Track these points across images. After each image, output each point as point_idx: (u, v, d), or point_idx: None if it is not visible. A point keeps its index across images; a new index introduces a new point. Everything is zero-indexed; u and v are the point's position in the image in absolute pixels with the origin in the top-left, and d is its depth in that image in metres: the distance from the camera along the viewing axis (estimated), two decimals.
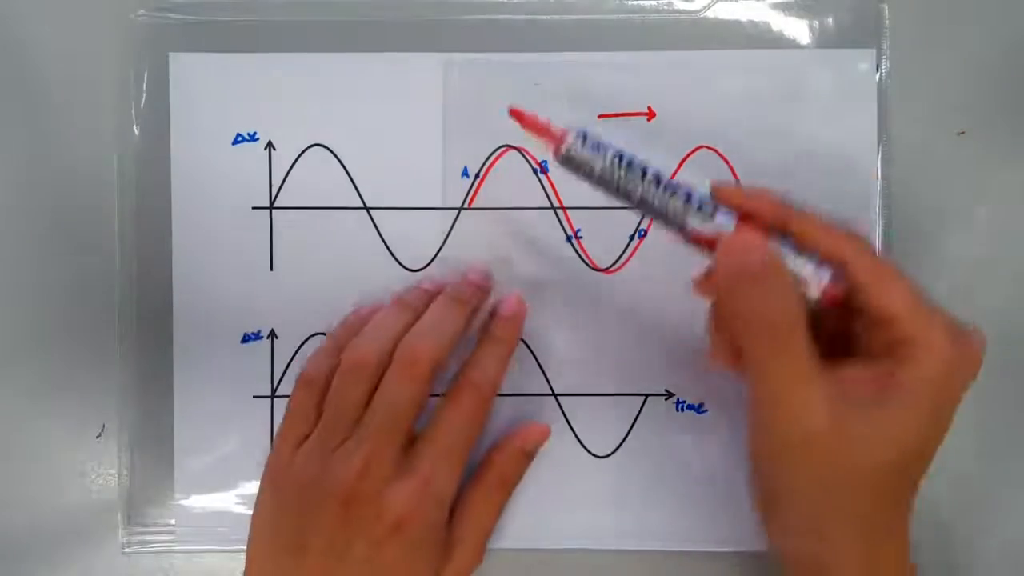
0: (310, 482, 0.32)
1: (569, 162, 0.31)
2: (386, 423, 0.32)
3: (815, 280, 0.28)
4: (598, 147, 0.30)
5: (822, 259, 0.29)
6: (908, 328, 0.28)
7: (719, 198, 0.30)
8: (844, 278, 0.29)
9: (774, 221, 0.29)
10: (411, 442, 0.33)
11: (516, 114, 0.33)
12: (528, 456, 0.36)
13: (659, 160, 0.35)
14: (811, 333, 0.28)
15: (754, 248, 0.28)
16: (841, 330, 0.30)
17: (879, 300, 0.28)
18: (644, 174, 0.30)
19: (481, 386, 0.34)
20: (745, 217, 0.29)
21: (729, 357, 0.31)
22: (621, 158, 0.30)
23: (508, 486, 0.36)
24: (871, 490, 0.28)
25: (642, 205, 0.30)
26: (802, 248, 0.29)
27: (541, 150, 0.34)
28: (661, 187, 0.30)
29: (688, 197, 0.30)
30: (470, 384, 0.34)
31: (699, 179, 0.32)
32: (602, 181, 0.31)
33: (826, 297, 0.28)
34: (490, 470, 0.36)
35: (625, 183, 0.30)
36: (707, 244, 0.29)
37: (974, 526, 0.38)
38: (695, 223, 0.29)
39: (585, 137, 0.31)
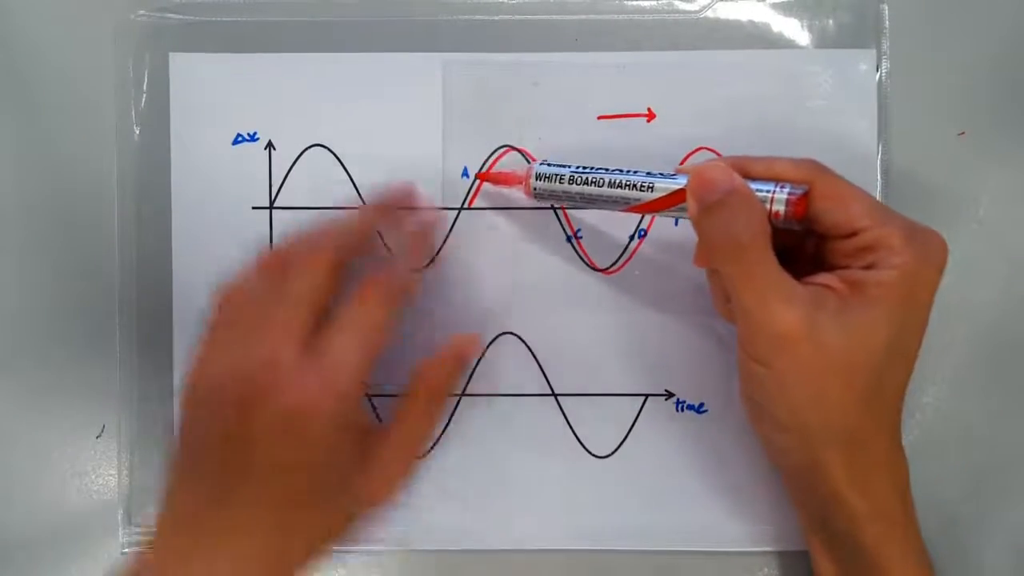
0: (217, 386, 0.30)
1: (541, 197, 0.35)
2: (286, 312, 0.30)
3: (780, 196, 0.30)
4: (557, 177, 0.34)
5: (784, 182, 0.30)
6: (868, 236, 0.29)
7: (679, 170, 0.32)
8: (806, 191, 0.30)
9: (736, 169, 0.31)
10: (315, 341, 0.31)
11: (483, 177, 0.37)
12: (461, 363, 0.34)
13: (659, 160, 0.35)
14: (785, 256, 0.29)
15: (718, 176, 0.30)
16: (812, 254, 0.32)
17: (841, 213, 0.30)
18: (606, 172, 0.33)
19: (386, 283, 0.32)
20: None
21: (724, 306, 0.33)
22: (582, 171, 0.33)
23: (439, 394, 0.33)
24: (848, 391, 0.29)
25: (613, 199, 0.33)
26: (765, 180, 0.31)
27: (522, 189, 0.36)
28: (624, 172, 0.32)
29: (649, 173, 0.32)
30: (372, 281, 0.32)
31: None
32: (581, 199, 0.33)
33: (792, 207, 0.30)
34: (418, 379, 0.33)
35: (592, 192, 0.33)
36: (677, 201, 0.31)
37: (982, 519, 0.38)
38: (661, 184, 0.32)
39: (541, 174, 0.34)
